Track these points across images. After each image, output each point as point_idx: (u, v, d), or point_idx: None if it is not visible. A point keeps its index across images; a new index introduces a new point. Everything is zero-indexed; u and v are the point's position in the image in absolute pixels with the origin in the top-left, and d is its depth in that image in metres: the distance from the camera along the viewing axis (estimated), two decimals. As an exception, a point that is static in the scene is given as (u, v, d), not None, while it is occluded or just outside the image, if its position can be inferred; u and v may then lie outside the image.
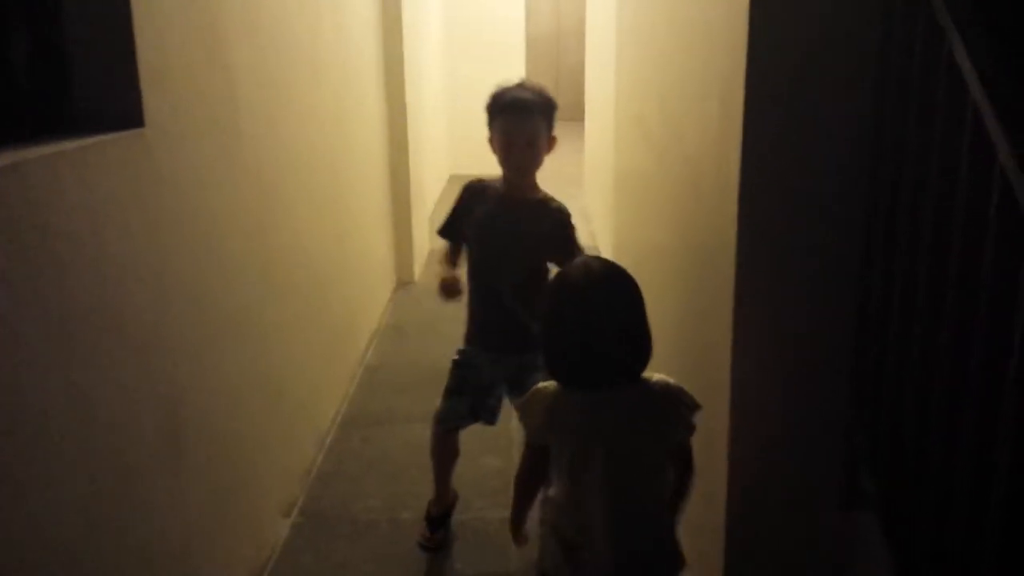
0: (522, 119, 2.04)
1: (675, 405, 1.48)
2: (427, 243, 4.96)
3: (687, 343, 2.16)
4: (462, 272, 2.20)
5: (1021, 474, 1.02)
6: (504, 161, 2.10)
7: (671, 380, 1.49)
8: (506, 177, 2.14)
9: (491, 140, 2.11)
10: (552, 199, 2.17)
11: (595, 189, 5.46)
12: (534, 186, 2.16)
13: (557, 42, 12.46)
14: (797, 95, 1.51)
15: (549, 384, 1.51)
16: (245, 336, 2.09)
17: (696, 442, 1.56)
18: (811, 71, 1.50)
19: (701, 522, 1.99)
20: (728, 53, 1.62)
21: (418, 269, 4.43)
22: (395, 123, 4.55)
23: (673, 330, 2.29)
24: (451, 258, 2.25)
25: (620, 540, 1.43)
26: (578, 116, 6.32)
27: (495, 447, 2.43)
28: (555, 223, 2.12)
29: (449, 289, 2.17)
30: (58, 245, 1.24)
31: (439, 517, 2.38)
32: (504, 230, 2.13)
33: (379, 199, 4.29)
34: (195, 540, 1.75)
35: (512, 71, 7.79)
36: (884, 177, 1.47)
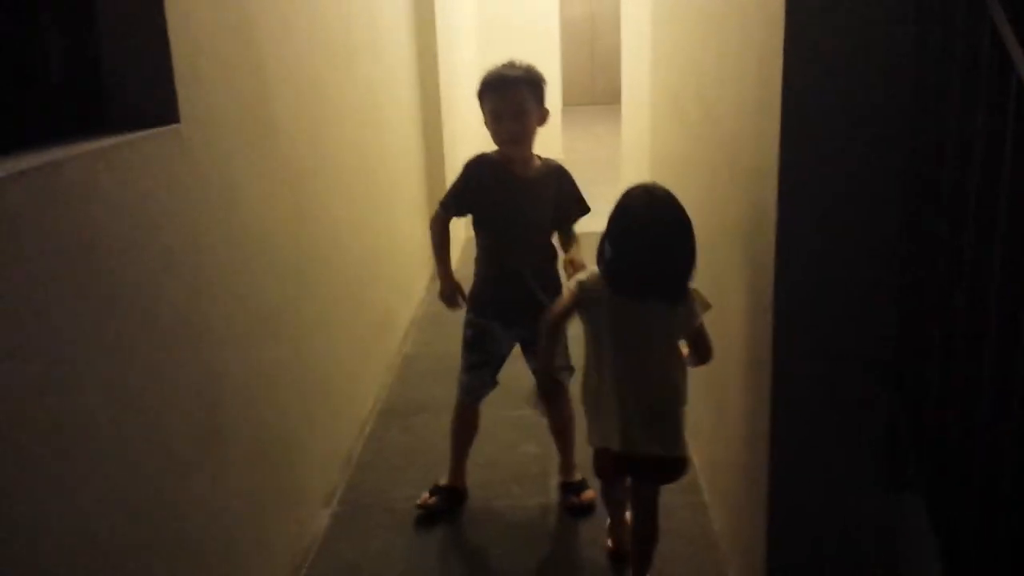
0: (508, 91, 2.13)
1: (691, 310, 1.77)
2: (463, 232, 4.96)
3: (727, 326, 2.13)
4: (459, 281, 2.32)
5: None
6: (496, 135, 2.17)
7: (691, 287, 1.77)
8: (501, 152, 2.20)
9: (486, 122, 2.20)
10: (548, 161, 2.26)
11: (632, 173, 5.40)
12: (532, 157, 2.22)
13: (592, 24, 12.36)
14: (836, 76, 1.47)
15: (595, 275, 1.80)
16: (283, 329, 2.11)
17: (739, 419, 1.78)
18: (851, 50, 1.46)
19: (743, 501, 1.97)
20: (765, 33, 1.58)
21: (454, 259, 4.44)
22: (429, 113, 4.54)
23: (714, 314, 2.27)
24: (445, 251, 2.33)
25: (629, 391, 1.80)
26: (614, 100, 6.26)
27: (534, 435, 2.42)
28: (557, 184, 2.24)
29: (448, 299, 2.31)
30: (96, 242, 1.26)
31: (445, 488, 2.42)
32: (517, 213, 2.21)
33: (413, 190, 4.29)
34: (237, 531, 1.78)
35: (547, 56, 7.76)
36: (926, 153, 1.42)
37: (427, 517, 2.37)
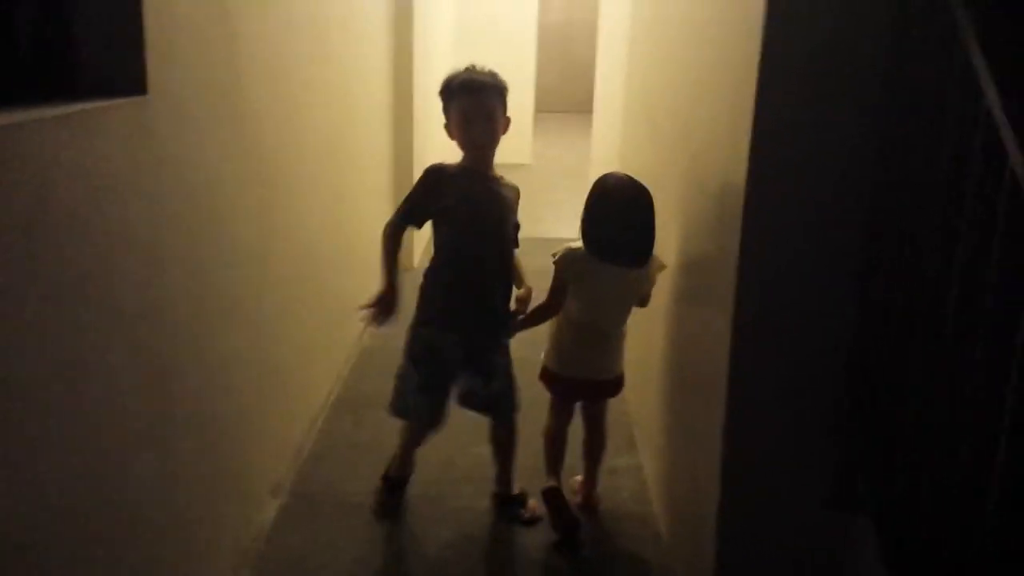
0: (478, 96, 2.11)
1: (651, 275, 2.22)
2: (427, 229, 4.94)
3: (686, 339, 2.15)
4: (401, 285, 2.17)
5: (1019, 478, 1.01)
6: (463, 139, 2.14)
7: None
8: (467, 157, 2.18)
9: (447, 126, 2.17)
10: (503, 176, 2.25)
11: (599, 182, 5.42)
12: (491, 165, 2.20)
13: (568, 32, 12.41)
14: (809, 96, 1.50)
15: (577, 249, 2.18)
16: (242, 314, 2.08)
17: (692, 435, 1.84)
18: (824, 72, 1.49)
19: (693, 515, 1.98)
20: (742, 50, 1.60)
21: (418, 255, 4.42)
22: (401, 108, 4.52)
23: (674, 324, 2.29)
24: (394, 261, 2.17)
25: (594, 328, 2.26)
26: (586, 108, 6.29)
27: (485, 437, 2.42)
28: (515, 196, 2.26)
29: (386, 305, 2.13)
30: (54, 210, 1.22)
31: (396, 480, 2.41)
32: (486, 204, 2.17)
33: (381, 184, 4.27)
34: (184, 517, 1.75)
35: (522, 62, 7.78)
36: (890, 181, 1.45)
37: (384, 510, 2.38)
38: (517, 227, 2.30)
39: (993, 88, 1.08)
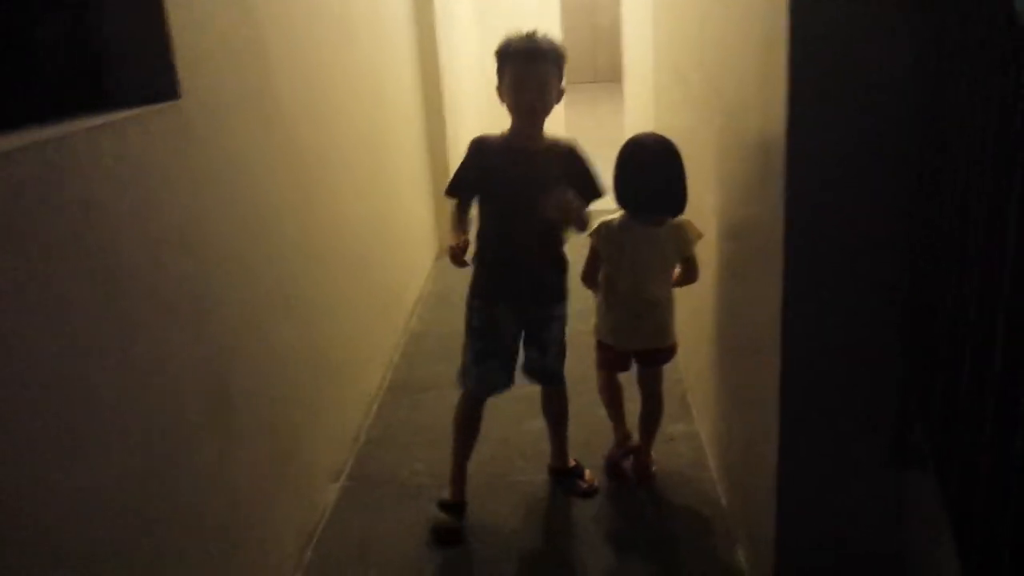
0: (534, 63, 2.06)
1: (687, 237, 2.24)
2: (467, 210, 4.95)
3: (736, 301, 2.13)
4: (470, 237, 2.19)
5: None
6: (514, 106, 2.09)
7: (684, 219, 2.24)
8: (515, 124, 2.13)
9: (499, 89, 2.12)
10: (559, 139, 2.19)
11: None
12: (542, 134, 2.15)
13: (591, 1, 12.25)
14: (843, 43, 1.45)
15: (612, 218, 2.27)
16: (290, 305, 2.12)
17: (748, 396, 1.85)
18: (858, 14, 1.44)
19: (752, 477, 1.97)
20: (769, 2, 1.56)
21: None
22: (430, 87, 4.52)
23: (724, 288, 2.26)
24: (460, 223, 2.22)
25: (637, 296, 2.29)
26: (615, 77, 6.22)
27: (536, 413, 2.43)
28: (567, 162, 2.17)
29: (457, 256, 2.16)
30: (100, 215, 1.26)
31: (455, 505, 2.29)
32: (519, 178, 2.12)
33: (417, 166, 4.28)
34: (245, 505, 1.79)
35: (548, 32, 7.67)
36: (935, 120, 1.41)
37: (445, 537, 2.22)
38: (593, 190, 2.17)
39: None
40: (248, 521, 1.81)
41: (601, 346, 2.40)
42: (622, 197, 2.23)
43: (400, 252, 3.77)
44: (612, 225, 2.26)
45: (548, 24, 7.62)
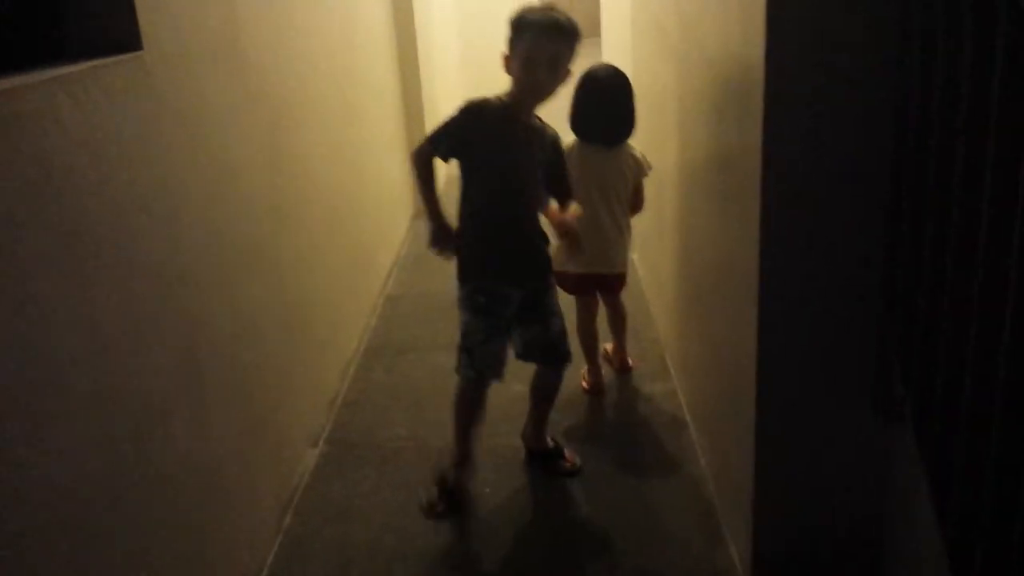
0: (549, 39, 1.97)
1: (639, 164, 2.56)
2: (444, 171, 4.88)
3: (715, 254, 2.11)
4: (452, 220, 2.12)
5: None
6: (521, 80, 2.00)
7: (636, 149, 2.56)
8: (516, 96, 2.03)
9: (507, 58, 2.02)
10: (546, 124, 2.13)
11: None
12: (534, 111, 2.08)
13: (569, -42, 12.03)
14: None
15: (570, 144, 2.42)
16: (261, 267, 2.06)
17: (725, 351, 1.88)
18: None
19: (730, 435, 1.97)
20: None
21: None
22: (405, 44, 4.42)
23: (702, 240, 2.24)
24: (434, 196, 2.12)
25: (607, 217, 2.55)
26: (593, 32, 6.11)
27: (522, 375, 2.40)
28: (551, 151, 2.14)
29: (442, 242, 2.10)
30: (58, 174, 1.19)
31: (454, 488, 2.20)
32: (519, 151, 2.06)
33: (392, 125, 4.20)
34: (222, 471, 1.76)
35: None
36: (915, 70, 1.38)
37: (459, 496, 2.18)
38: (564, 177, 2.18)
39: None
40: (225, 488, 1.77)
41: (558, 275, 2.34)
42: (582, 125, 2.49)
43: (375, 214, 3.70)
44: (572, 151, 2.42)
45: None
